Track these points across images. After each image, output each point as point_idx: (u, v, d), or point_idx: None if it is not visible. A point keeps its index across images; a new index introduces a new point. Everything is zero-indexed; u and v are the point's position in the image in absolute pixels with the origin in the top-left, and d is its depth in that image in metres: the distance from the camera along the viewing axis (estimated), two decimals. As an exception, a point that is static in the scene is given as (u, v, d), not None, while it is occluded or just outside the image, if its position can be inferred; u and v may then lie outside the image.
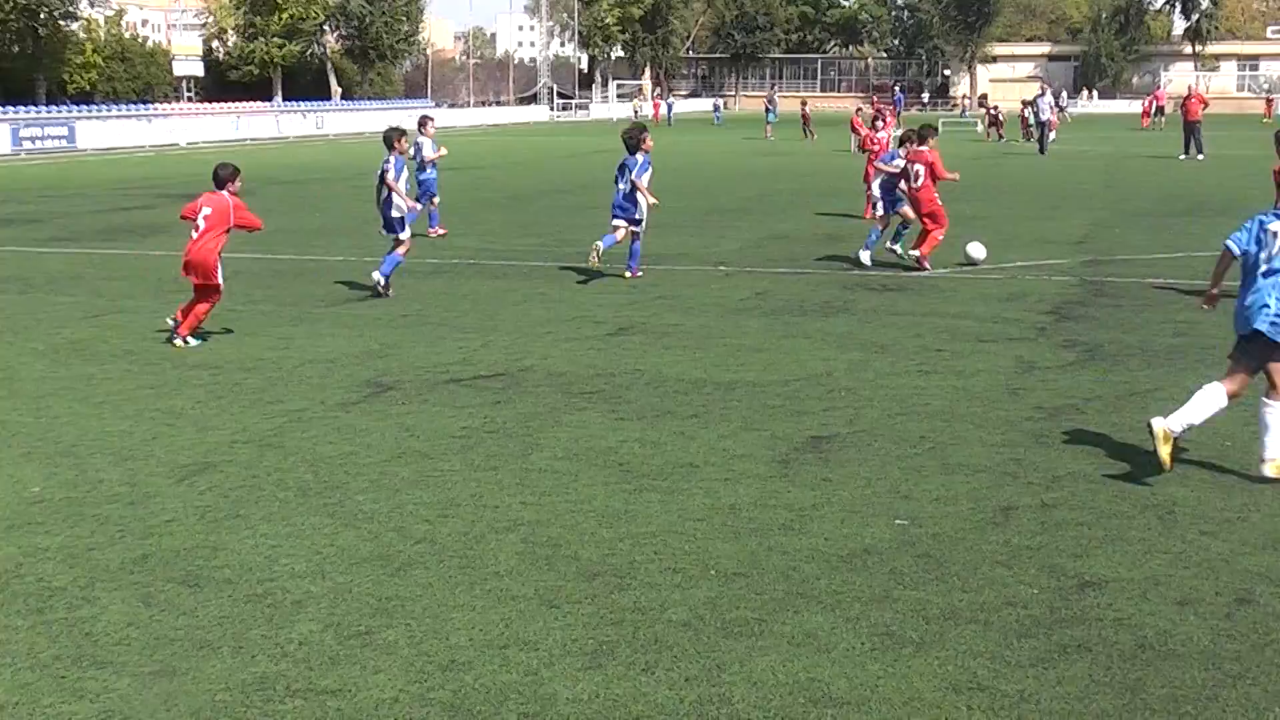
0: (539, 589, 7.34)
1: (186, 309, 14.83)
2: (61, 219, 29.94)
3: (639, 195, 19.34)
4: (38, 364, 13.86)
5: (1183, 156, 50.05)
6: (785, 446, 10.21)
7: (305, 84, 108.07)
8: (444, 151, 25.44)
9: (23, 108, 71.21)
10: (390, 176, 18.26)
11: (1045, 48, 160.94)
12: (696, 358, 13.74)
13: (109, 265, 21.92)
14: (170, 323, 14.89)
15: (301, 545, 8.10)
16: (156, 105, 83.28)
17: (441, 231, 25.12)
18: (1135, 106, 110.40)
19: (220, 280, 14.88)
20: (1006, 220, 27.49)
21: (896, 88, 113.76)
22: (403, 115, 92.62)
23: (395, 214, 18.32)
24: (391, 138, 18.69)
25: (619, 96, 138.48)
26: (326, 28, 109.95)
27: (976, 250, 21.06)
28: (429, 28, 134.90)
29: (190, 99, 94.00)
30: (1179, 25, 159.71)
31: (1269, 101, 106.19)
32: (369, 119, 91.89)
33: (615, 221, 19.48)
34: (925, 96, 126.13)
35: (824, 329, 15.41)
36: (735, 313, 16.58)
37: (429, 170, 25.31)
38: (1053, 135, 56.73)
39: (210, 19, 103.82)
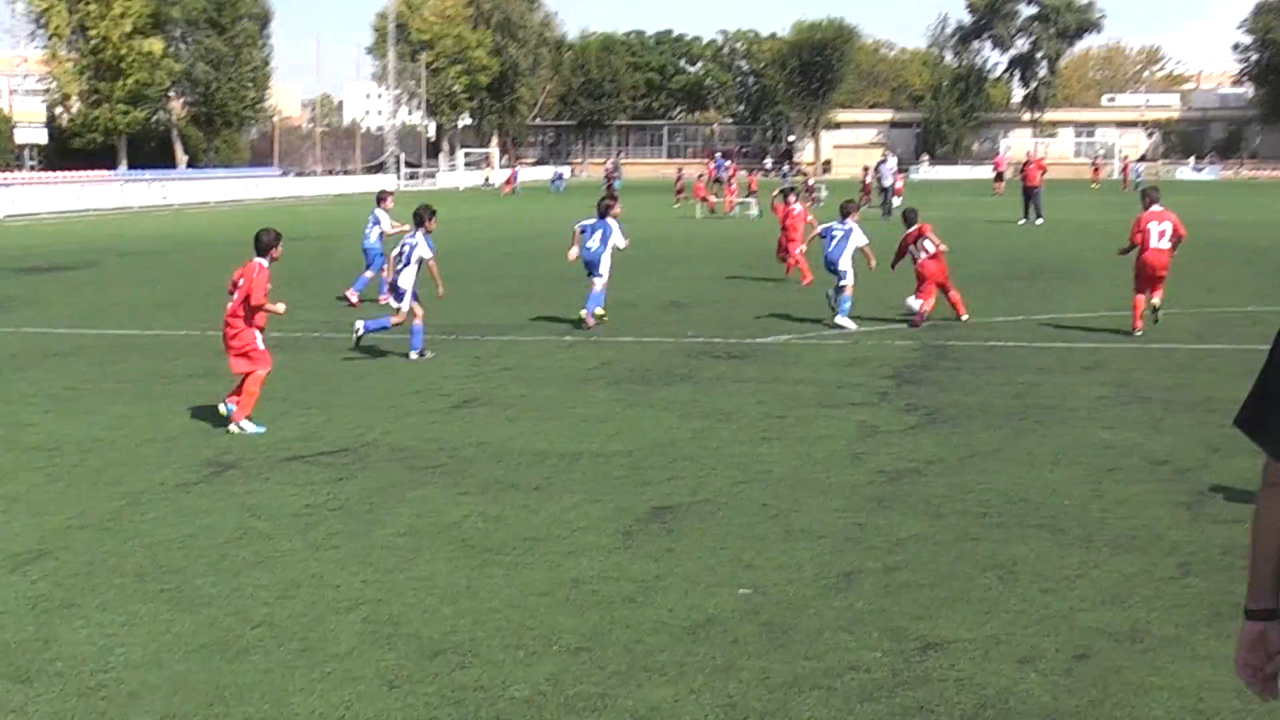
0: (380, 669, 7.28)
1: (244, 396, 14.14)
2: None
3: (607, 254, 21.56)
4: None
5: (1022, 221, 51.20)
6: (629, 518, 10.23)
7: (150, 151, 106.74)
8: (405, 227, 25.66)
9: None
10: (427, 254, 18.57)
11: (888, 114, 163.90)
12: (541, 429, 13.74)
13: (-57, 343, 21.44)
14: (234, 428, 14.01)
15: (138, 633, 7.95)
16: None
17: (355, 301, 25.26)
18: (977, 172, 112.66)
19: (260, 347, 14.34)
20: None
21: (717, 154, 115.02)
22: (250, 184, 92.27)
23: (405, 285, 18.50)
24: (423, 215, 19.06)
25: (467, 164, 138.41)
26: (172, 94, 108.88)
27: (915, 302, 22.14)
28: (276, 95, 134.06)
29: (33, 167, 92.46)
30: (1018, 93, 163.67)
31: (1096, 167, 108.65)
32: (215, 187, 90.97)
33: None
34: (768, 162, 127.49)
35: (668, 398, 15.48)
36: (580, 383, 16.61)
37: (378, 242, 25.79)
38: (897, 200, 57.65)
39: (53, 85, 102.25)
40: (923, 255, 22.07)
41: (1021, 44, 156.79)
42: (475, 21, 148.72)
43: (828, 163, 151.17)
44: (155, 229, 50.90)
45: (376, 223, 26.07)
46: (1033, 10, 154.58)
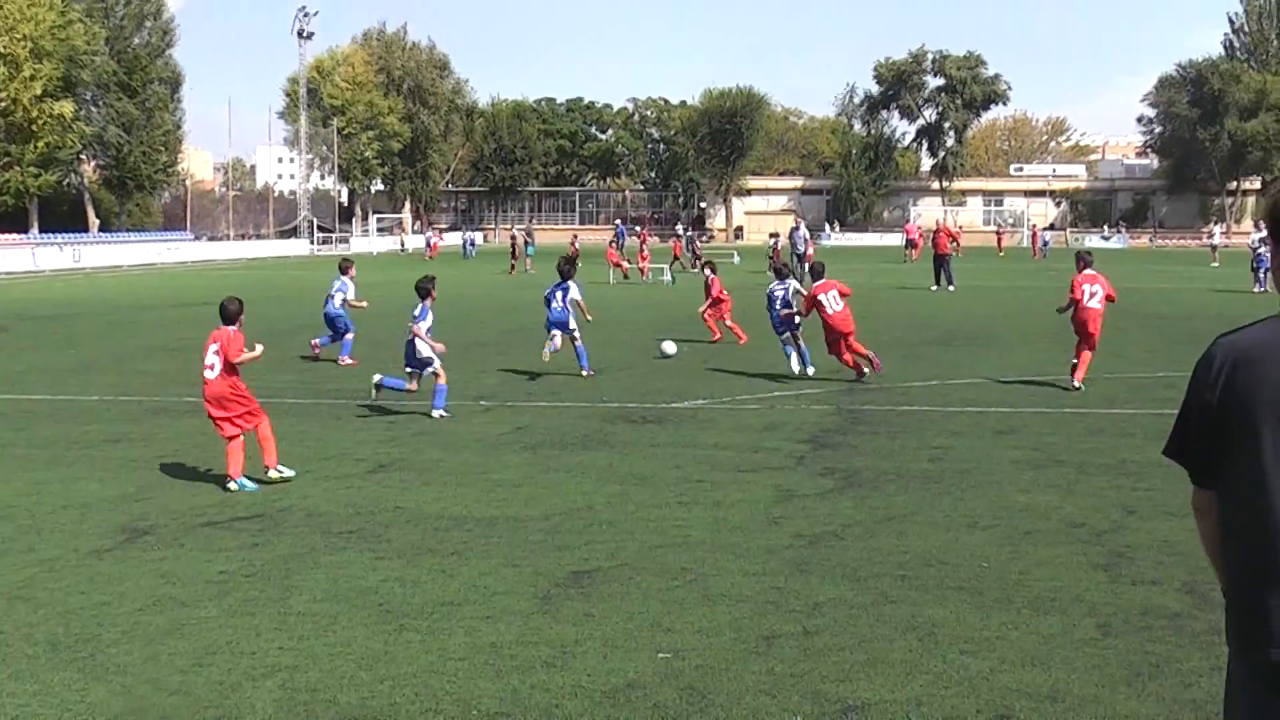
0: (298, 737, 7.22)
1: (235, 452, 14.43)
2: None
3: (576, 310, 24.04)
4: None
5: (934, 288, 51.72)
6: (547, 582, 10.20)
7: (62, 214, 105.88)
8: (365, 304, 27.96)
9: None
10: (420, 327, 19.39)
11: (798, 181, 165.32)
12: (457, 494, 13.70)
13: None
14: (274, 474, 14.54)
15: (50, 704, 7.83)
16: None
17: (351, 362, 25.95)
18: (887, 239, 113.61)
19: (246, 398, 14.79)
20: (765, 350, 27.89)
21: (617, 220, 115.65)
22: (163, 248, 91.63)
23: (425, 354, 19.31)
24: (428, 288, 19.94)
25: (379, 230, 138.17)
26: (83, 157, 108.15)
27: (669, 346, 25.26)
28: (188, 158, 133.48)
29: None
30: (927, 162, 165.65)
31: (999, 235, 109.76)
32: (128, 251, 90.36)
33: (554, 332, 23.64)
34: (680, 229, 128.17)
35: (584, 462, 15.47)
36: (496, 447, 16.57)
37: (342, 307, 26.91)
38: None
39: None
40: (832, 310, 22.62)
41: (929, 114, 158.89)
42: (386, 88, 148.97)
43: (739, 229, 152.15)
44: (67, 293, 50.45)
45: (343, 290, 27.16)
46: (939, 82, 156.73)
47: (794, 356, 23.90)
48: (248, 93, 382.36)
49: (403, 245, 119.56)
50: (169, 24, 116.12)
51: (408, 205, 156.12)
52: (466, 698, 7.75)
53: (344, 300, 27.04)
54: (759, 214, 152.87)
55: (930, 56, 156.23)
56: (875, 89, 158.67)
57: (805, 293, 23.74)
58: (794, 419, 18.68)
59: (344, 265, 28.30)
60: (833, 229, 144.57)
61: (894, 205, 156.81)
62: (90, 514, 13.03)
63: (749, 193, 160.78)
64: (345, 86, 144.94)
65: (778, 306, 24.41)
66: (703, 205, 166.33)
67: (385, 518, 12.60)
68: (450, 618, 9.32)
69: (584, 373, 23.69)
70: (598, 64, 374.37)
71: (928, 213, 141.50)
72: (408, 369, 19.68)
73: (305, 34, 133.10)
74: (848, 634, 8.90)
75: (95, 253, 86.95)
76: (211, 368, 14.70)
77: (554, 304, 24.06)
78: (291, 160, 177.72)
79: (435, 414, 18.95)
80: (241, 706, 7.68)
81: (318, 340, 27.25)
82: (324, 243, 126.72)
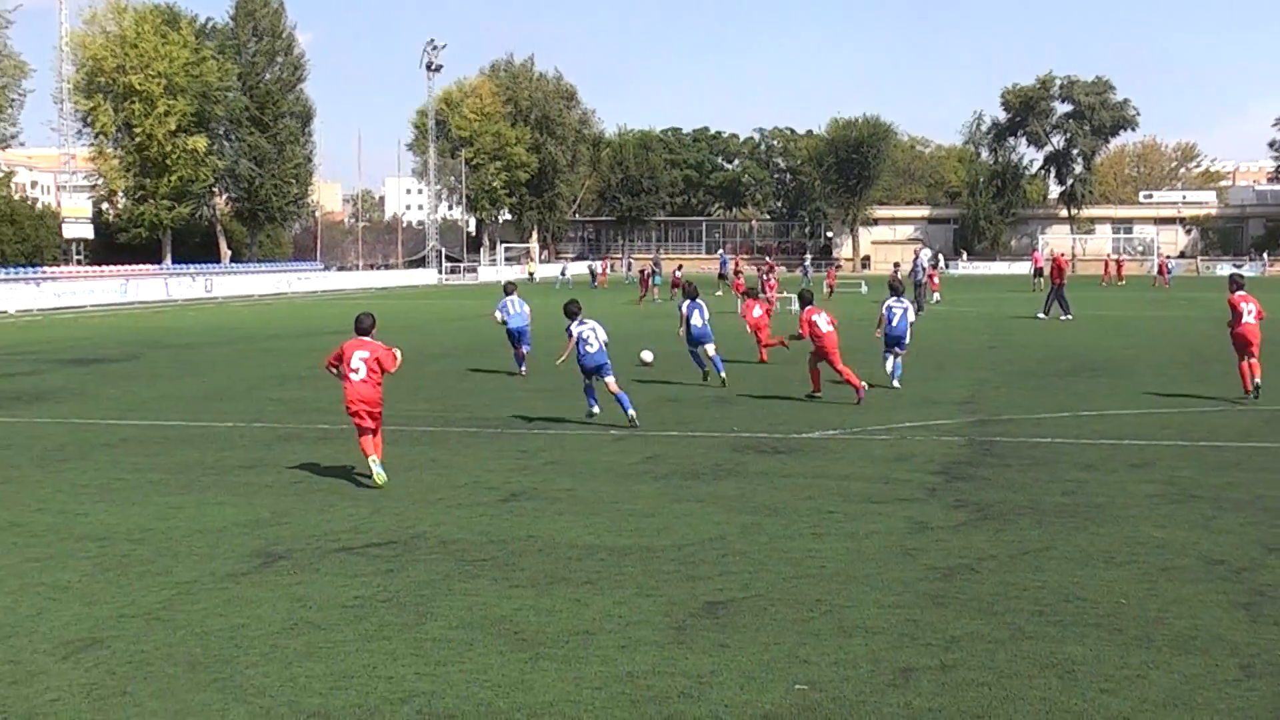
0: (435, 763, 7.23)
1: (368, 444, 16.35)
2: (-58, 386, 29.47)
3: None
4: (-83, 536, 13.57)
5: (1042, 316, 51.47)
6: (681, 612, 10.16)
7: (194, 245, 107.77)
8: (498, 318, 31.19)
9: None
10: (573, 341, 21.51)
11: (925, 210, 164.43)
12: (589, 523, 13.69)
13: (-9, 433, 21.54)
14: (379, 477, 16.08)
15: (191, 722, 7.93)
16: (45, 268, 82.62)
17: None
18: (1015, 268, 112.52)
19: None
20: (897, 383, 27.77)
21: (720, 250, 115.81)
22: (292, 278, 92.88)
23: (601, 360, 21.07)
24: (575, 310, 21.91)
25: (507, 259, 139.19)
26: (216, 190, 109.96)
27: (647, 355, 26.47)
28: (318, 190, 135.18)
29: (80, 261, 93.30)
30: (1054, 189, 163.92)
31: (1107, 263, 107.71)
32: (259, 281, 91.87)
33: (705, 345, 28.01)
34: (808, 259, 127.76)
35: (716, 492, 15.41)
36: (627, 477, 16.56)
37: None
38: (937, 296, 57.66)
39: (100, 181, 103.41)
40: (825, 329, 24.77)
41: (1057, 141, 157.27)
42: (514, 119, 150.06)
43: (866, 258, 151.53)
44: (199, 322, 51.27)
45: (521, 306, 30.80)
46: (1068, 108, 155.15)
47: (890, 361, 26.98)
48: (377, 125, 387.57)
49: (531, 275, 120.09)
50: (300, 59, 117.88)
51: (535, 235, 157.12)
52: (603, 727, 7.74)
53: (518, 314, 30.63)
54: (886, 243, 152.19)
55: (1058, 82, 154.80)
56: (1003, 116, 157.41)
57: (914, 318, 27.29)
58: (925, 450, 18.52)
59: (509, 287, 31.89)
60: (960, 258, 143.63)
61: (1022, 233, 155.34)
62: (225, 538, 13.18)
63: (875, 222, 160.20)
64: (473, 118, 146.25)
65: (893, 321, 26.92)
66: (829, 235, 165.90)
67: (518, 546, 12.63)
68: (585, 647, 9.30)
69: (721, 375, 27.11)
70: (724, 94, 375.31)
71: (1055, 241, 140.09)
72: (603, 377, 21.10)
73: (434, 66, 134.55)
74: (985, 669, 8.77)
75: (227, 283, 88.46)
76: (357, 371, 16.45)
77: (694, 321, 27.93)
78: (420, 191, 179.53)
79: (632, 412, 20.96)
80: (378, 731, 7.73)
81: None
82: (452, 272, 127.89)
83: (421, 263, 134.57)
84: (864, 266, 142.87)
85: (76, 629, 9.99)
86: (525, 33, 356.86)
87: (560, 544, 12.70)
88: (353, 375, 16.44)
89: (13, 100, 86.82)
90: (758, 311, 33.97)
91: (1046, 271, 64.10)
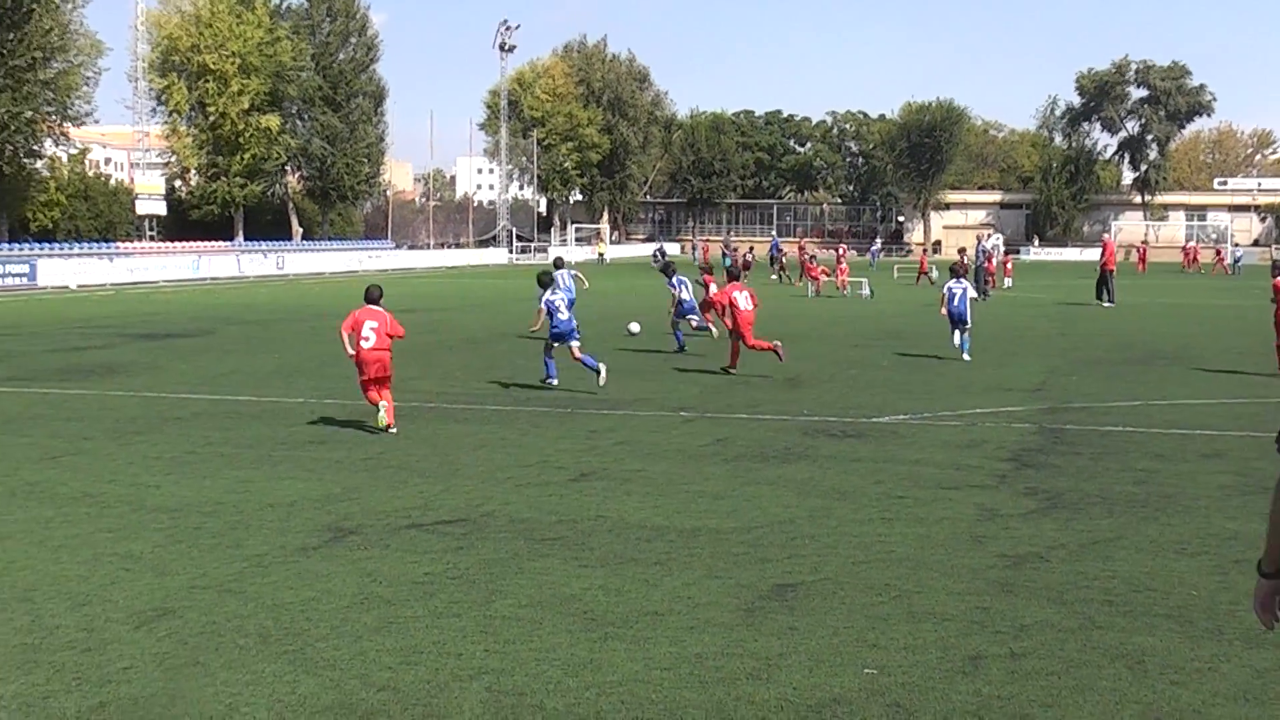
0: (504, 740, 7.26)
1: (375, 394, 18.89)
2: (19, 358, 29.75)
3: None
4: (-6, 506, 13.73)
5: (1096, 303, 51.34)
6: (750, 594, 10.15)
7: (266, 223, 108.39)
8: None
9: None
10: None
11: (997, 195, 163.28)
12: (659, 504, 13.70)
13: (67, 406, 21.74)
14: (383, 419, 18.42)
15: (262, 693, 7.98)
16: (118, 244, 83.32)
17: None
18: (1087, 254, 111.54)
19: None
20: (963, 367, 27.65)
21: (772, 233, 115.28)
22: (363, 256, 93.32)
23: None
24: (548, 281, 24.25)
25: (577, 240, 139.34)
26: (288, 169, 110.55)
27: (634, 326, 29.64)
28: (389, 170, 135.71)
29: (152, 238, 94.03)
30: (1128, 175, 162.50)
31: (1185, 251, 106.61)
32: (330, 259, 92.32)
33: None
34: (878, 243, 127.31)
35: (785, 475, 15.38)
36: (696, 459, 16.56)
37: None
38: (1009, 281, 57.30)
39: (173, 159, 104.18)
40: (745, 308, 26.38)
41: (1132, 126, 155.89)
42: (586, 100, 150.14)
43: (937, 243, 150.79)
44: (270, 298, 51.63)
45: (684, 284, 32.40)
46: (1143, 93, 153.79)
47: (958, 336, 29.39)
48: (449, 106, 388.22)
49: (601, 257, 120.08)
50: (373, 39, 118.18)
51: (606, 216, 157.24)
52: (672, 707, 7.72)
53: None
54: (957, 228, 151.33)
55: (1134, 67, 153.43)
56: (1077, 101, 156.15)
57: (974, 295, 29.69)
58: (995, 437, 18.42)
59: (670, 267, 34.03)
60: (1032, 243, 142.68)
61: (1094, 220, 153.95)
62: (296, 512, 13.27)
63: (947, 207, 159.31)
64: (545, 98, 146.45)
65: (954, 301, 29.51)
66: (900, 219, 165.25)
67: (587, 526, 12.65)
68: (654, 627, 9.31)
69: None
70: (797, 77, 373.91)
71: (1129, 228, 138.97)
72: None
73: (507, 47, 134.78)
74: (1055, 659, 8.71)
75: (298, 260, 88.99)
76: (367, 339, 18.80)
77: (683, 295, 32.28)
78: (491, 171, 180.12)
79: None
80: (449, 706, 7.74)
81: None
82: (522, 252, 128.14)
83: (492, 242, 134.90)
84: (934, 251, 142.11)
85: (149, 599, 10.09)
86: (598, 14, 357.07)
87: (630, 524, 12.71)
88: (364, 342, 18.72)
89: (88, 78, 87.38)
90: (714, 288, 33.63)
91: (1123, 258, 63.64)
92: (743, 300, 26.29)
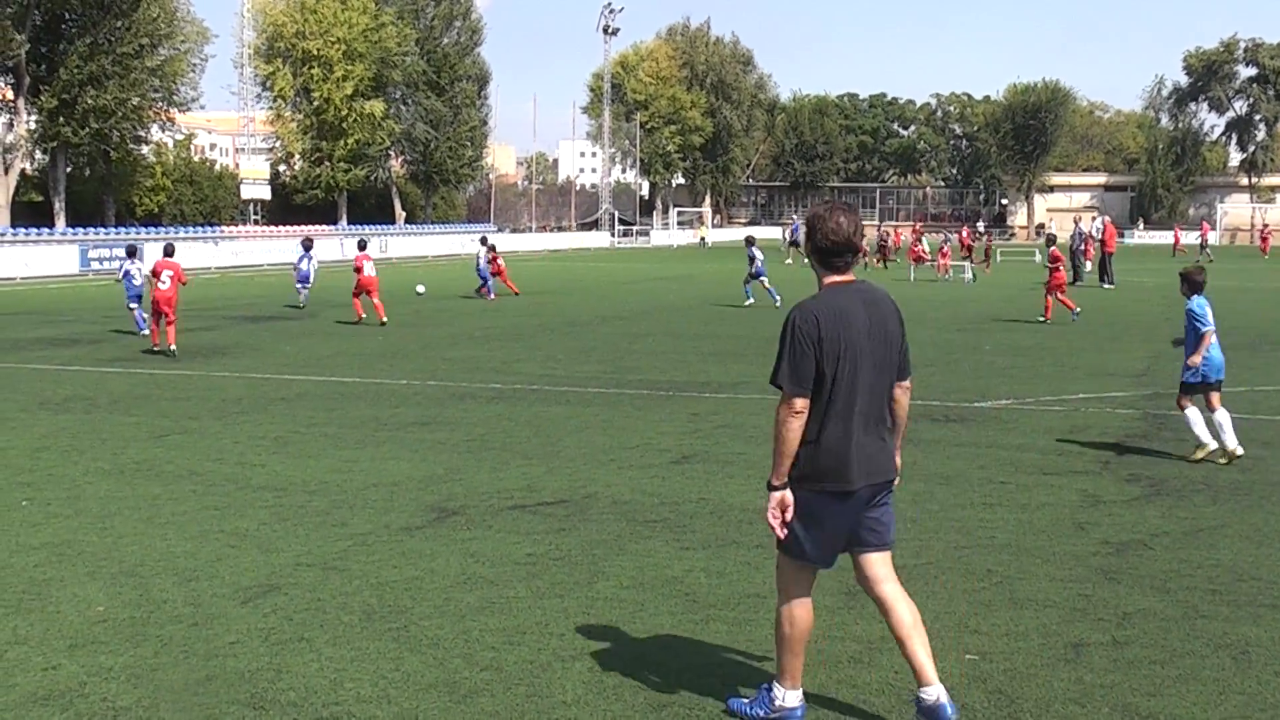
0: (608, 719, 7.29)
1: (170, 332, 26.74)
2: (126, 339, 30.21)
3: None
4: (103, 483, 13.96)
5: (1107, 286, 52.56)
6: (851, 578, 10.05)
7: (370, 207, 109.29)
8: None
9: (91, 229, 72.24)
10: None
11: (1101, 178, 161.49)
12: (760, 487, 13.62)
13: (173, 386, 22.07)
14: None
15: (367, 670, 8.08)
16: (223, 227, 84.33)
17: None
18: (1192, 238, 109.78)
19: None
20: (1066, 351, 27.42)
21: (794, 216, 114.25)
22: (466, 239, 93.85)
23: None
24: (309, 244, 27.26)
25: (680, 223, 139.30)
26: (392, 153, 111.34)
27: (420, 287, 34.42)
28: (492, 154, 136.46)
29: (257, 222, 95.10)
30: (1235, 157, 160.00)
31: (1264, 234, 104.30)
32: (433, 242, 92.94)
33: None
34: (981, 225, 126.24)
35: (887, 459, 15.30)
36: (798, 441, 16.49)
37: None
38: (1089, 266, 56.64)
39: (278, 144, 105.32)
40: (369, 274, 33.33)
41: (1240, 106, 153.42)
42: (689, 83, 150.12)
43: (1040, 226, 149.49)
44: (464, 286, 51.76)
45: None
46: (1251, 72, 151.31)
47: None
48: (552, 89, 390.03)
49: (703, 241, 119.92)
50: (478, 23, 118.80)
51: (708, 199, 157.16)
52: (773, 690, 7.74)
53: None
54: (1061, 211, 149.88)
55: (1243, 45, 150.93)
56: (1184, 80, 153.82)
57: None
58: (1098, 422, 18.25)
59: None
60: (1137, 226, 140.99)
61: (1200, 202, 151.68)
62: (400, 492, 13.39)
63: (1051, 189, 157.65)
64: (649, 81, 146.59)
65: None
66: (1004, 202, 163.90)
67: (689, 508, 12.67)
68: (756, 610, 9.30)
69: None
70: (901, 59, 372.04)
71: (1235, 210, 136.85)
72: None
73: (610, 30, 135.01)
74: (1158, 647, 8.62)
75: (401, 244, 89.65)
76: (164, 282, 27.04)
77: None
78: (593, 154, 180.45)
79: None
80: (552, 686, 7.80)
81: None
82: (625, 235, 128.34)
83: (594, 226, 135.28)
84: (1038, 234, 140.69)
85: (254, 575, 10.23)
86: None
87: (732, 507, 12.72)
88: (160, 285, 27.23)
89: (194, 65, 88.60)
90: None
91: (1241, 242, 62.40)
92: (368, 268, 33.23)
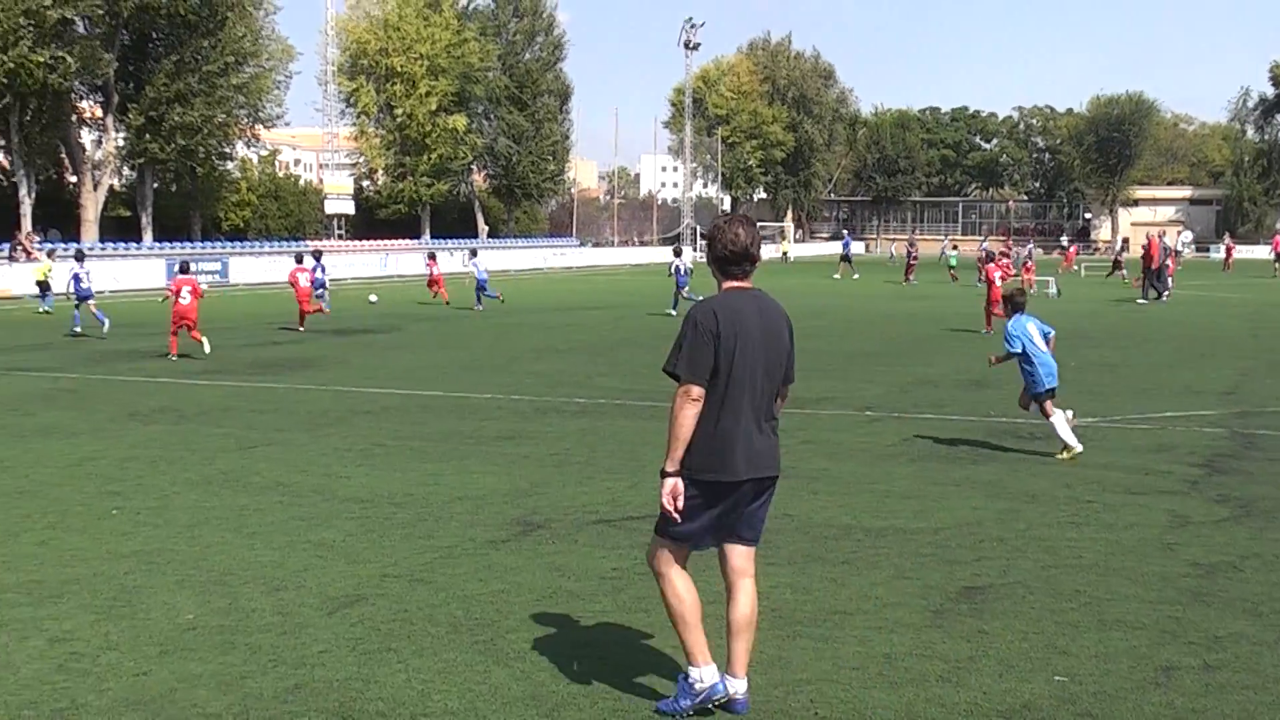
0: (695, 735, 7.29)
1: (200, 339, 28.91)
2: (214, 353, 30.50)
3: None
4: (191, 494, 14.10)
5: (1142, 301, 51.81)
6: (938, 596, 10.08)
7: (452, 221, 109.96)
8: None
9: (178, 243, 73.07)
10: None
11: (1187, 191, 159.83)
12: (845, 503, 13.65)
13: (260, 398, 22.27)
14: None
15: (454, 682, 8.11)
16: (307, 242, 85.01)
17: None
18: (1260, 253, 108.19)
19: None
20: (1151, 369, 27.17)
21: (844, 231, 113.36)
22: (548, 253, 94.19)
23: None
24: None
25: (761, 238, 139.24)
26: (474, 167, 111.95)
27: (373, 297, 33.72)
28: (574, 167, 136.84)
29: (341, 236, 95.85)
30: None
31: None
32: (515, 256, 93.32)
33: None
34: (1064, 240, 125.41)
35: (972, 476, 15.25)
36: (882, 459, 16.47)
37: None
38: (1171, 282, 56.24)
39: (361, 159, 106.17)
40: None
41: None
42: (771, 98, 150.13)
43: (1125, 241, 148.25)
44: (456, 295, 52.08)
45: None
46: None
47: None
48: (634, 104, 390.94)
49: (785, 256, 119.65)
50: (559, 39, 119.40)
51: (789, 214, 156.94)
52: (861, 707, 7.70)
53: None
54: (1145, 225, 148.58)
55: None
56: (1270, 92, 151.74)
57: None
58: (1186, 441, 18.05)
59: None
60: (1223, 240, 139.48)
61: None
62: (485, 506, 13.43)
63: (1135, 203, 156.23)
64: (730, 96, 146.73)
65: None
66: (1088, 216, 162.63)
67: (774, 524, 12.54)
68: (842, 626, 9.28)
69: None
70: (983, 72, 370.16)
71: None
72: None
73: (691, 45, 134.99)
74: (1250, 672, 8.49)
75: (484, 258, 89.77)
76: (185, 298, 29.31)
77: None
78: (675, 169, 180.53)
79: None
80: (638, 701, 7.79)
81: None
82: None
83: (676, 239, 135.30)
84: (1122, 249, 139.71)
85: (341, 586, 10.30)
86: (783, 11, 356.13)
87: (816, 523, 12.68)
88: (182, 300, 29.35)
89: (279, 82, 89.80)
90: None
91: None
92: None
